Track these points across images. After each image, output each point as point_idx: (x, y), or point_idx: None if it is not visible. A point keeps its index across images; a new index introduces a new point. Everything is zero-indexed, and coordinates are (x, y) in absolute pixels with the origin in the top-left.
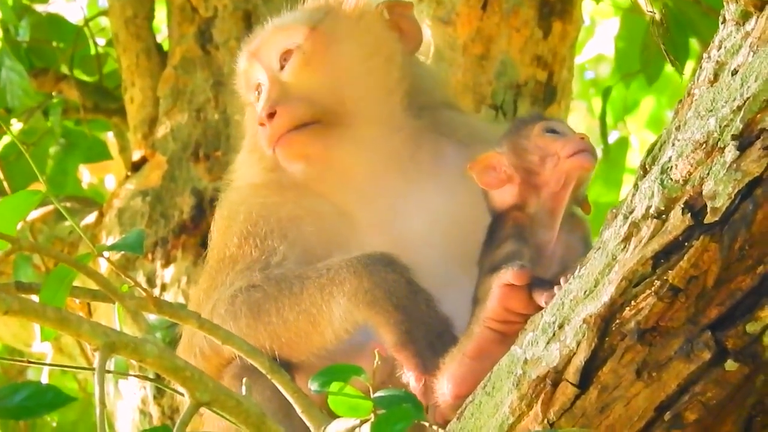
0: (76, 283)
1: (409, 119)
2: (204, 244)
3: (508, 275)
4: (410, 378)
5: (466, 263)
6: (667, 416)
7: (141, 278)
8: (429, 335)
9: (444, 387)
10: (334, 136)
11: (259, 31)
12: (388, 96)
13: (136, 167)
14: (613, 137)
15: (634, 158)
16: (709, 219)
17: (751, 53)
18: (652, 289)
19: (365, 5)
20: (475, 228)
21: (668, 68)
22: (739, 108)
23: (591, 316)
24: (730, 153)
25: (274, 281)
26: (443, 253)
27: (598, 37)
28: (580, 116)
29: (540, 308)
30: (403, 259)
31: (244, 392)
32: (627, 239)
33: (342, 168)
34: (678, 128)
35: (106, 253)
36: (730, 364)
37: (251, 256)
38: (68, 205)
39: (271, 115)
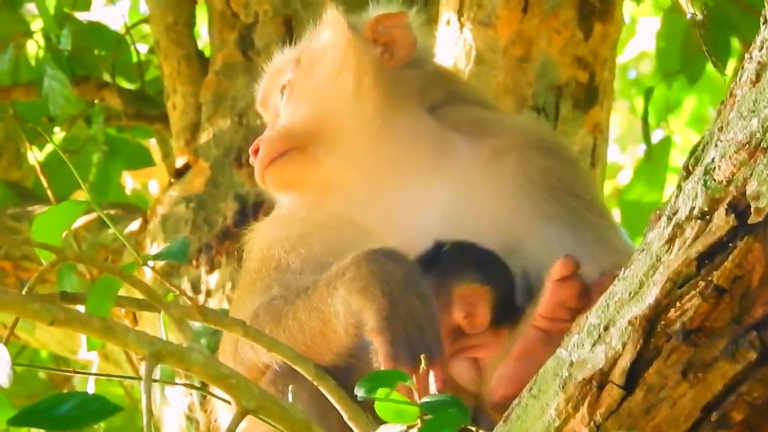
0: (121, 292)
1: (403, 121)
2: None
3: (556, 269)
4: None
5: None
6: (714, 416)
7: (186, 284)
8: (409, 328)
9: (491, 388)
10: (309, 157)
11: (262, 79)
12: (359, 106)
13: (179, 174)
14: (656, 137)
15: (676, 157)
16: (752, 219)
17: None
18: (697, 289)
19: (336, 26)
20: (484, 221)
21: (710, 67)
22: None
23: (636, 318)
24: None
25: (293, 289)
26: None
27: (640, 34)
28: (622, 116)
29: (590, 303)
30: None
31: (290, 399)
32: (671, 240)
33: (327, 184)
34: (720, 129)
35: (150, 262)
36: None
37: (269, 276)
38: (112, 212)
39: (256, 152)
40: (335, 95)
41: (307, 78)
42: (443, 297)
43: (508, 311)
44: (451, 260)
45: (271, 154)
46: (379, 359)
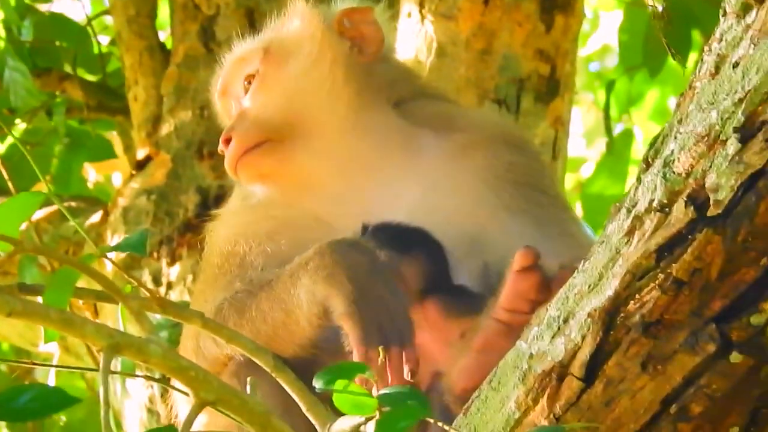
0: (81, 284)
1: (373, 117)
2: None
3: (516, 260)
4: (353, 355)
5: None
6: (673, 409)
7: (147, 277)
8: (378, 312)
9: (450, 381)
10: (286, 150)
11: (222, 68)
12: (334, 102)
13: (140, 166)
14: (617, 130)
15: (639, 150)
16: (712, 212)
17: (752, 45)
18: (656, 282)
19: (310, 19)
20: (453, 217)
21: (672, 60)
22: (741, 100)
23: (595, 310)
24: (732, 145)
25: (256, 282)
26: None
27: (603, 28)
28: (585, 108)
29: (550, 295)
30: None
31: (248, 391)
32: (630, 233)
33: (302, 178)
34: (680, 121)
35: (110, 254)
36: (735, 356)
37: (232, 273)
38: (73, 204)
39: (228, 141)
40: (311, 88)
41: (279, 69)
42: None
43: (437, 285)
44: (379, 240)
45: (245, 144)
46: (351, 343)
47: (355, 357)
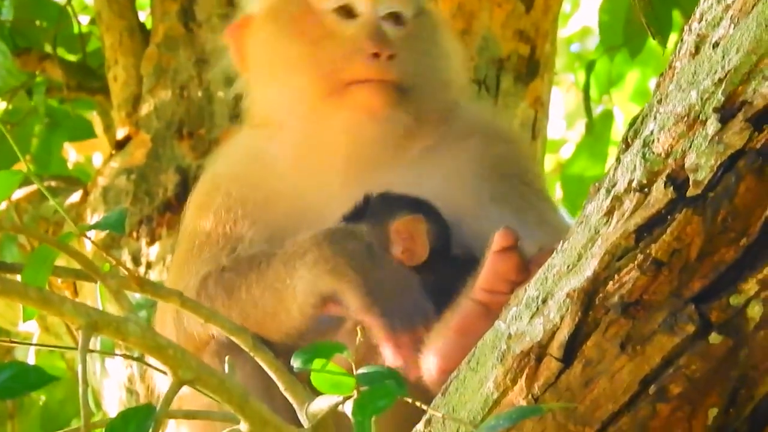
0: (60, 263)
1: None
2: None
3: (496, 241)
4: (383, 346)
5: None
6: (652, 389)
7: (126, 256)
8: (395, 298)
9: (429, 362)
10: (401, 110)
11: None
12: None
13: (120, 145)
14: (597, 110)
15: (619, 131)
16: (691, 192)
17: (732, 25)
18: (635, 262)
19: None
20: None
21: (652, 41)
22: (721, 80)
23: (574, 291)
24: (712, 126)
25: (245, 260)
26: None
27: (583, 9)
28: (565, 89)
29: (529, 276)
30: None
31: (227, 371)
32: (610, 213)
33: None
34: (659, 101)
35: (90, 233)
36: (714, 337)
37: (218, 244)
38: (53, 184)
39: (376, 56)
40: (438, 64)
41: (423, 42)
42: (380, 235)
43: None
44: (381, 205)
45: (395, 75)
46: (377, 337)
47: (386, 349)
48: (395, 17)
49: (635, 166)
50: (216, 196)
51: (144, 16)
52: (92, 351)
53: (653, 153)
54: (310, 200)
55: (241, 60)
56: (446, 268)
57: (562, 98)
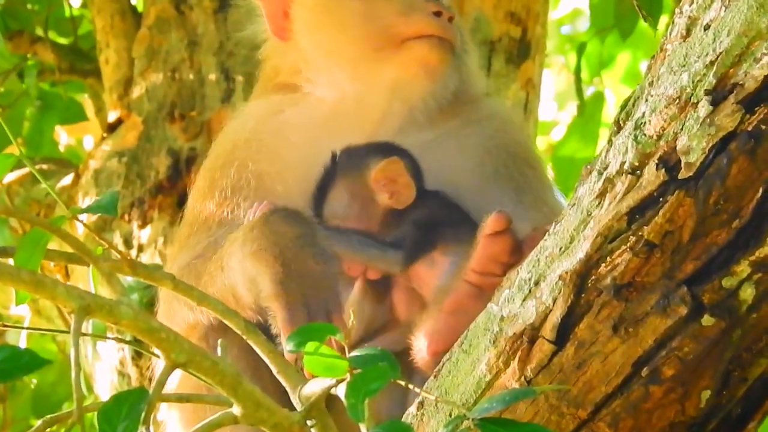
0: (52, 246)
1: None
2: (180, 204)
3: (488, 224)
4: (281, 337)
5: None
6: (645, 371)
7: (118, 239)
8: (305, 289)
9: (421, 343)
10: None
11: None
12: None
13: (112, 128)
14: (588, 92)
15: (610, 113)
16: (683, 174)
17: (723, 8)
18: (628, 244)
19: None
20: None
21: (643, 23)
22: (712, 63)
23: (567, 273)
24: (704, 108)
25: (213, 242)
26: None
27: None
28: (556, 71)
29: (522, 257)
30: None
31: (219, 353)
32: (602, 195)
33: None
34: (651, 84)
35: (81, 216)
36: (707, 319)
37: (210, 229)
38: (45, 167)
39: (439, 14)
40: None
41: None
42: (361, 189)
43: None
44: (351, 160)
45: (455, 38)
46: (277, 324)
47: (282, 338)
48: None
49: (627, 148)
50: (229, 169)
51: None
52: (85, 335)
53: (645, 135)
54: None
55: (275, 19)
56: (434, 201)
57: (553, 80)
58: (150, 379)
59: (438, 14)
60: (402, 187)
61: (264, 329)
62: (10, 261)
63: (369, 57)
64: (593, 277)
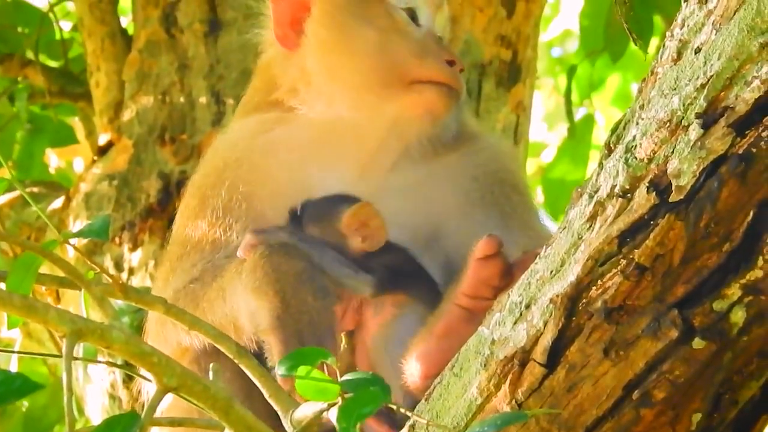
0: (43, 270)
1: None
2: (171, 227)
3: (479, 248)
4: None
5: (431, 242)
6: (636, 395)
7: (109, 262)
8: (301, 325)
9: (412, 367)
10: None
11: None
12: None
13: (102, 151)
14: (579, 115)
15: (600, 136)
16: (674, 197)
17: (714, 31)
18: (618, 267)
19: None
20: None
21: (634, 45)
22: (703, 86)
23: (558, 296)
24: (694, 131)
25: (209, 269)
26: (412, 236)
27: (564, 13)
28: (546, 93)
29: (513, 281)
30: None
31: (211, 377)
32: (592, 218)
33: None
34: (642, 107)
35: (72, 240)
36: (698, 342)
37: (203, 251)
38: (35, 190)
39: (451, 63)
40: None
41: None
42: (331, 236)
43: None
44: (316, 212)
45: (457, 82)
46: (273, 359)
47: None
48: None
49: (618, 171)
50: (220, 189)
51: (126, 21)
52: (76, 358)
53: (636, 158)
54: (318, 193)
55: (283, 25)
56: (401, 254)
57: (543, 101)
58: (142, 403)
59: (451, 63)
60: (374, 230)
61: (261, 359)
62: (2, 285)
63: (375, 89)
64: (584, 300)
